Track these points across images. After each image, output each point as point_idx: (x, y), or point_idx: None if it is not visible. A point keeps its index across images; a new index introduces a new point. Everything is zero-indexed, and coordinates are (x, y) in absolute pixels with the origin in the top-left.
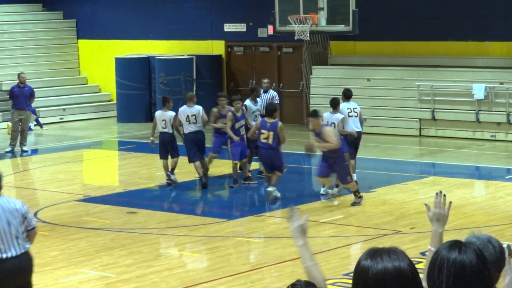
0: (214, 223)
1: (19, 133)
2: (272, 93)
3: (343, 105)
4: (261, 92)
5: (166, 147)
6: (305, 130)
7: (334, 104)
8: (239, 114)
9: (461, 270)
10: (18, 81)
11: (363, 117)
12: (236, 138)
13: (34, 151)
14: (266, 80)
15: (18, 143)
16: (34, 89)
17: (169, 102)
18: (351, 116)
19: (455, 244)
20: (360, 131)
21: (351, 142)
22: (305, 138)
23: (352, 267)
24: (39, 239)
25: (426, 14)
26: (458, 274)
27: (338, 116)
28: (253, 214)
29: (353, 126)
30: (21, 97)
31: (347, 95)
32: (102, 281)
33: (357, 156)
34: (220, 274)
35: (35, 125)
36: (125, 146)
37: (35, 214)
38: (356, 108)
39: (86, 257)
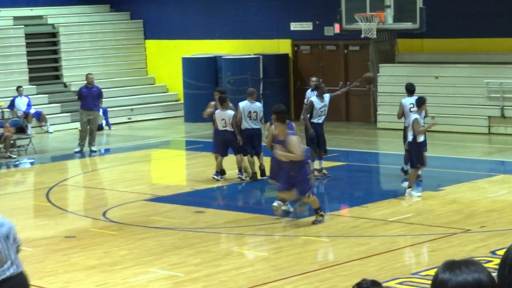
0: (281, 222)
1: (87, 133)
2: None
3: (406, 100)
4: (310, 90)
5: (227, 145)
6: (372, 128)
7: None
8: None
9: None
10: (86, 82)
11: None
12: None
13: (103, 151)
14: (314, 78)
15: (87, 143)
16: (103, 90)
17: (227, 101)
18: (412, 112)
19: (457, 264)
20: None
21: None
22: (372, 137)
23: (421, 266)
24: (108, 239)
25: (494, 10)
26: None
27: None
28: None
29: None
30: (89, 97)
31: (411, 89)
32: (170, 280)
33: (427, 154)
34: (288, 273)
35: (105, 124)
36: (192, 145)
37: (103, 214)
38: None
39: (155, 257)
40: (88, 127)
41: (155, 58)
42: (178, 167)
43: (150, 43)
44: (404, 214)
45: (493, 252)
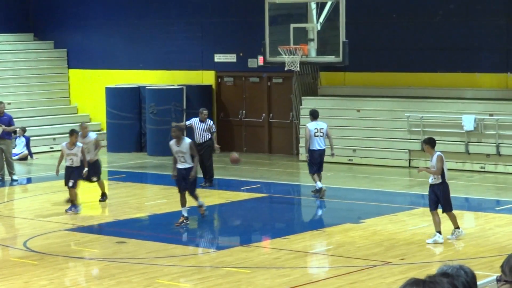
0: (204, 253)
1: (3, 162)
2: (209, 122)
3: (311, 125)
4: (197, 121)
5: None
6: (294, 160)
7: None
8: None
9: None
10: None
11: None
12: None
13: (24, 180)
14: (205, 112)
15: (7, 173)
16: (25, 119)
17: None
18: (317, 136)
19: (445, 276)
20: (323, 149)
21: (316, 159)
22: (294, 169)
23: None
24: (29, 268)
25: (416, 45)
26: None
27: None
28: (243, 244)
29: (317, 144)
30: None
31: (315, 115)
32: None
33: (348, 187)
34: None
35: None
36: (115, 175)
37: (24, 243)
38: (323, 128)
39: (76, 287)
40: (3, 155)
41: (78, 88)
42: (100, 197)
43: (74, 72)
44: (325, 246)
45: None
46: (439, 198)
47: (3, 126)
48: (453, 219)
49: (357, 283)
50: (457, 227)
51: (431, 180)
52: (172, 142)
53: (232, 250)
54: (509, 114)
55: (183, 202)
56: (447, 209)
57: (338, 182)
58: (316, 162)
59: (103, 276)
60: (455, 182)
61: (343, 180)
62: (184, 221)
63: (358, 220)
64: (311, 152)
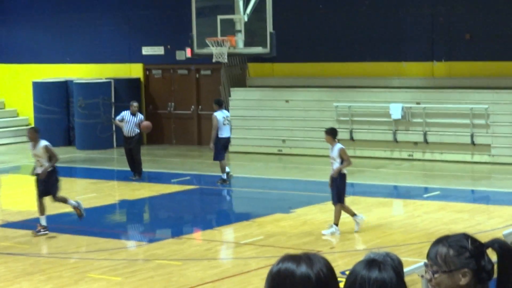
0: (135, 246)
1: None
2: (140, 116)
3: (218, 114)
4: (128, 113)
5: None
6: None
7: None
8: None
9: (383, 287)
10: None
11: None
12: None
13: None
14: (135, 104)
15: None
16: None
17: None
18: (225, 124)
19: (373, 263)
20: (229, 137)
21: (224, 146)
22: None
23: None
24: None
25: (343, 35)
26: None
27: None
28: (174, 237)
29: (225, 132)
30: None
31: (220, 104)
32: None
33: (278, 177)
34: None
35: None
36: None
37: None
38: (228, 116)
39: (5, 283)
40: None
41: (4, 82)
42: (29, 192)
43: (0, 67)
44: (256, 236)
45: (342, 273)
46: (340, 189)
47: None
48: (338, 213)
49: None
50: (336, 223)
51: (333, 172)
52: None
53: (163, 243)
54: (435, 102)
55: (41, 210)
56: (339, 200)
57: (268, 172)
58: (224, 148)
59: (33, 271)
60: (384, 170)
61: (273, 170)
62: (42, 230)
63: (288, 210)
64: (220, 139)
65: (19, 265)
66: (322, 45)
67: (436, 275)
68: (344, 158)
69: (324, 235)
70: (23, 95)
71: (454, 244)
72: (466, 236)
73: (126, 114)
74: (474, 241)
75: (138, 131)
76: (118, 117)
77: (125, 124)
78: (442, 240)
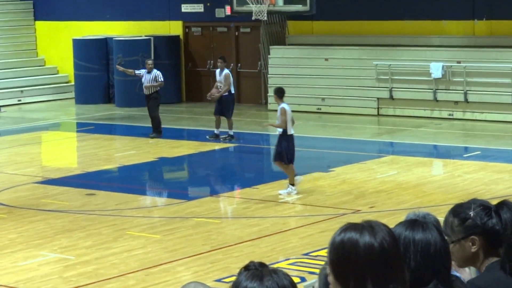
0: (173, 204)
1: None
2: (155, 72)
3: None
4: (145, 72)
5: None
6: (263, 110)
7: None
8: None
9: (427, 247)
10: None
11: None
12: None
13: None
14: (150, 61)
15: None
16: None
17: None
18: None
19: (416, 223)
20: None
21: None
22: (263, 118)
23: (312, 247)
24: None
25: None
26: (425, 251)
27: None
28: (212, 195)
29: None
30: None
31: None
32: (61, 263)
33: (317, 135)
34: (180, 255)
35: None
36: (83, 127)
37: None
38: None
39: (45, 240)
40: None
41: (45, 40)
42: (69, 149)
43: (40, 24)
44: (295, 195)
45: None
46: (282, 149)
47: None
48: (291, 173)
49: (326, 232)
50: (292, 184)
51: (278, 131)
52: None
53: (201, 201)
54: (476, 61)
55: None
56: (287, 161)
57: (307, 131)
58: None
59: (72, 228)
60: (424, 130)
61: (312, 129)
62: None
63: (327, 169)
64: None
65: (59, 222)
66: (362, 3)
67: (451, 245)
68: (280, 119)
69: (280, 195)
70: (63, 53)
71: (457, 213)
72: (471, 203)
73: (144, 72)
74: (479, 205)
75: (156, 89)
76: (137, 71)
77: (143, 82)
78: (451, 210)
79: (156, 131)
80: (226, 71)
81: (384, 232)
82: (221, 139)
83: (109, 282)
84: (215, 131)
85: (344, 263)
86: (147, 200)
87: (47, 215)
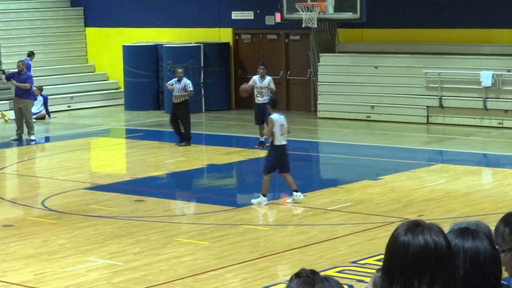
0: (222, 210)
1: (22, 121)
2: (185, 81)
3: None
4: (175, 80)
5: None
6: (312, 117)
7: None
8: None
9: (477, 256)
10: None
11: None
12: None
13: (42, 140)
14: (180, 70)
15: (26, 132)
16: (42, 77)
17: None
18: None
19: (467, 231)
20: None
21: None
22: (312, 126)
23: (360, 255)
24: (47, 227)
25: (433, 1)
26: (474, 260)
27: None
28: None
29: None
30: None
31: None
32: (109, 269)
33: (366, 143)
34: (228, 262)
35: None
36: (132, 134)
37: (42, 202)
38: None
39: (94, 245)
40: (21, 115)
41: (95, 46)
42: (118, 156)
43: (91, 31)
44: (344, 203)
45: None
46: (268, 159)
47: (15, 82)
48: (266, 183)
49: (375, 240)
50: (264, 194)
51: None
52: None
53: (250, 208)
54: None
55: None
56: (265, 170)
57: (356, 139)
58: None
59: (122, 234)
60: (473, 138)
61: (361, 136)
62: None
63: (376, 177)
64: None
65: (108, 228)
66: (412, 11)
67: (502, 255)
68: (267, 128)
69: (252, 204)
70: (113, 59)
71: (509, 222)
72: None
73: (174, 80)
74: None
75: (185, 98)
76: (169, 83)
77: (174, 91)
78: (502, 219)
79: (186, 139)
80: (269, 77)
81: (437, 233)
82: (256, 147)
83: None
84: (261, 139)
85: (394, 261)
86: (196, 207)
87: (96, 221)
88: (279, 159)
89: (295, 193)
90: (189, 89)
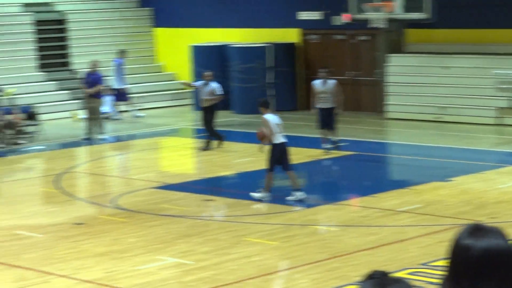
0: (291, 211)
1: (93, 120)
2: (211, 85)
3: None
4: (203, 83)
5: None
6: (380, 118)
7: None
8: None
9: (491, 254)
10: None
11: None
12: None
13: (112, 139)
14: (207, 73)
15: (95, 131)
16: (111, 77)
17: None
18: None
19: (480, 230)
20: None
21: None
22: (381, 126)
23: (430, 257)
24: (117, 226)
25: (503, 1)
26: (487, 258)
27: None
28: (330, 203)
29: None
30: (89, 84)
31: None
32: (179, 268)
33: (435, 145)
34: (298, 262)
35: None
36: (201, 133)
37: (112, 201)
38: None
39: (164, 244)
40: (92, 114)
41: (164, 46)
42: (187, 155)
43: (160, 31)
44: (414, 204)
45: None
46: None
47: (87, 89)
48: (269, 180)
49: (445, 242)
50: (268, 191)
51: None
52: None
53: (319, 208)
54: None
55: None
56: (267, 169)
57: (426, 139)
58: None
59: (191, 233)
60: None
61: (430, 137)
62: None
63: (446, 178)
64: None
65: (177, 227)
66: (482, 11)
67: None
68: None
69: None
70: (181, 59)
71: None
72: None
73: (200, 83)
74: None
75: (214, 102)
76: (195, 83)
77: (200, 94)
78: None
79: (207, 144)
80: (333, 80)
81: (499, 236)
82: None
83: None
84: (332, 139)
85: (457, 264)
86: (265, 206)
87: (166, 220)
88: (280, 157)
89: (296, 192)
90: (217, 93)
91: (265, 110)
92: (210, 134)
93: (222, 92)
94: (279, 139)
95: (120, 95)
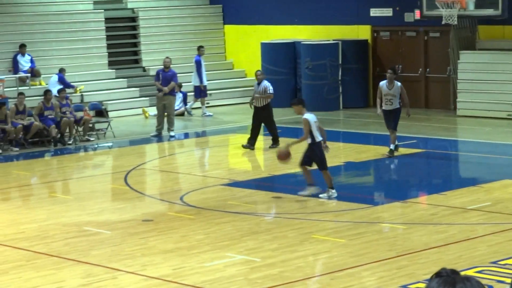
0: (359, 208)
1: (164, 117)
2: (264, 83)
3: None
4: (255, 83)
5: None
6: (451, 115)
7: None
8: None
9: None
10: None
11: None
12: None
13: (181, 136)
14: (259, 72)
15: (165, 128)
16: (181, 74)
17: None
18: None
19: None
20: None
21: None
22: (451, 124)
23: (500, 255)
24: (185, 223)
25: None
26: None
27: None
28: (399, 200)
29: None
30: (164, 81)
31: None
32: (247, 265)
33: (507, 142)
34: (365, 260)
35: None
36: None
37: (181, 198)
38: None
39: (232, 241)
40: (164, 111)
41: (233, 43)
42: (255, 152)
43: (229, 28)
44: (483, 202)
45: None
46: (321, 157)
47: (164, 88)
48: (329, 177)
49: None
50: (331, 187)
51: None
52: None
53: (388, 206)
54: None
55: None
56: (320, 167)
57: (497, 137)
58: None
59: (259, 231)
60: None
61: (502, 135)
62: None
63: None
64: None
65: (245, 224)
66: None
67: None
68: (304, 130)
69: (321, 199)
70: (251, 56)
71: None
72: None
73: (255, 84)
74: None
75: (267, 101)
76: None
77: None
78: None
79: (274, 140)
80: (399, 83)
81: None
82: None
83: (294, 285)
84: (391, 146)
85: None
86: (333, 204)
87: (234, 217)
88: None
89: (331, 190)
90: (269, 92)
91: (302, 110)
92: (272, 131)
93: (272, 91)
94: (318, 137)
95: (200, 92)
